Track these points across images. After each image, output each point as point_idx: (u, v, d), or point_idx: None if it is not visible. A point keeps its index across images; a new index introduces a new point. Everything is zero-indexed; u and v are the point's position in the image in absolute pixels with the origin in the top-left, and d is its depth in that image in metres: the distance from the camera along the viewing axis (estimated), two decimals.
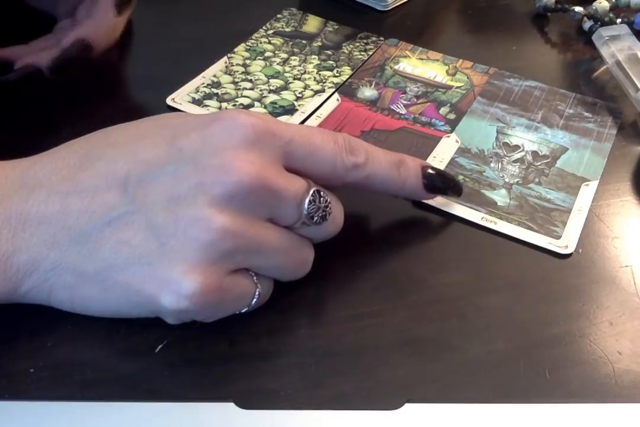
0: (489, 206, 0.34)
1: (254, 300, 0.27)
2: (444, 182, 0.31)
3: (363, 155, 0.28)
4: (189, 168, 0.24)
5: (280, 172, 0.25)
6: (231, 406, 0.25)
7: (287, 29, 0.46)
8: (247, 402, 0.25)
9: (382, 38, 0.45)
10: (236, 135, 0.25)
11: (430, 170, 0.30)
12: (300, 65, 0.42)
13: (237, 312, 0.27)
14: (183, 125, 0.26)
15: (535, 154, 0.37)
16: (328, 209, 0.26)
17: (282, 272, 0.27)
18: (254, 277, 0.26)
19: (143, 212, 0.24)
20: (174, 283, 0.24)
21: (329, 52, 0.44)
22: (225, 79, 0.41)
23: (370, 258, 0.31)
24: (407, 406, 0.25)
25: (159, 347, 0.27)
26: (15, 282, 0.25)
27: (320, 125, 0.38)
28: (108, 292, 0.25)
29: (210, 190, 0.24)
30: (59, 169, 0.25)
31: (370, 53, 0.44)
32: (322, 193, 0.26)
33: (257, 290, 0.26)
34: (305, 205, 0.26)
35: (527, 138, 0.38)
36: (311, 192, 0.26)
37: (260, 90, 0.40)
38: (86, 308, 0.26)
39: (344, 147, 0.27)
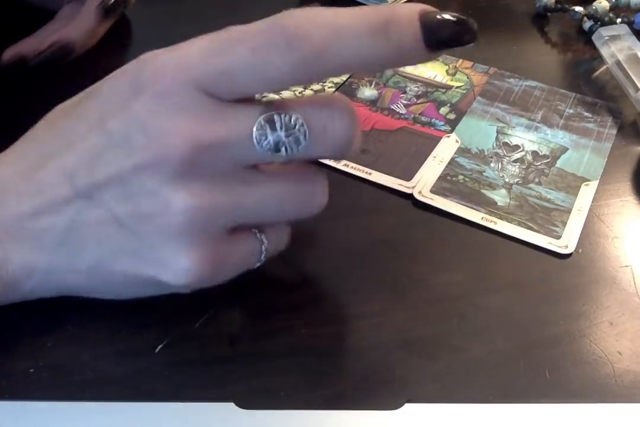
0: (489, 206, 0.34)
1: (263, 255, 0.26)
2: (452, 31, 0.22)
3: (316, 40, 0.20)
4: (124, 153, 0.23)
5: (215, 116, 0.22)
6: (231, 406, 0.25)
7: None
8: (247, 402, 0.25)
9: None
10: (159, 103, 0.22)
11: (431, 20, 0.22)
12: None
13: (252, 268, 0.26)
14: (109, 97, 0.24)
15: (535, 154, 0.37)
16: (301, 127, 0.22)
17: (288, 214, 0.25)
18: (257, 234, 0.25)
19: (104, 207, 0.23)
20: (168, 264, 0.23)
21: None
22: None
23: (370, 258, 0.31)
24: (407, 406, 0.25)
25: (159, 347, 0.27)
26: (15, 284, 0.25)
27: None
28: (111, 282, 0.25)
29: (156, 171, 0.22)
30: (21, 169, 0.25)
31: None
32: (277, 117, 0.22)
33: (263, 246, 0.25)
34: (262, 142, 0.22)
35: (527, 138, 0.38)
36: (259, 123, 0.22)
37: None
38: (99, 295, 0.26)
39: (278, 44, 0.21)
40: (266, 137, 0.22)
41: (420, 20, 0.21)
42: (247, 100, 0.23)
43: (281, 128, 0.22)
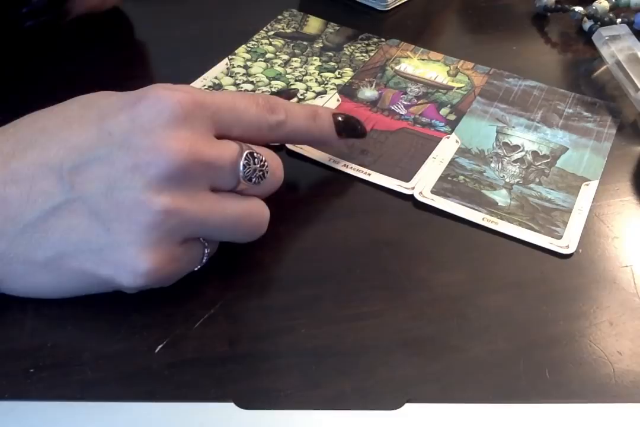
0: (490, 206, 0.34)
1: (205, 258, 0.28)
2: (352, 126, 0.34)
3: (283, 113, 0.29)
4: (122, 152, 0.24)
5: (212, 142, 0.26)
6: (231, 406, 0.25)
7: (287, 31, 0.46)
8: (247, 402, 0.25)
9: (383, 39, 0.45)
10: (164, 113, 0.25)
11: (339, 118, 0.33)
12: (301, 67, 0.42)
13: (192, 270, 0.28)
14: (109, 106, 0.26)
15: (535, 153, 0.37)
16: (265, 167, 0.27)
17: (236, 237, 0.28)
18: (201, 239, 0.27)
19: (83, 199, 0.24)
20: (128, 265, 0.24)
21: (330, 53, 0.44)
22: (226, 80, 0.41)
23: (370, 258, 0.31)
24: (407, 406, 0.25)
25: (159, 347, 0.27)
26: None
27: None
28: (62, 278, 0.25)
29: (146, 172, 0.24)
30: None
31: (372, 54, 0.44)
32: (255, 154, 0.27)
33: (206, 249, 0.28)
34: (241, 169, 0.26)
35: (526, 138, 0.38)
36: (244, 155, 0.26)
37: (262, 92, 0.40)
38: (41, 294, 0.27)
39: (266, 108, 0.28)
40: (249, 166, 0.27)
41: (332, 115, 0.32)
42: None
43: (258, 162, 0.27)
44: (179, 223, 0.25)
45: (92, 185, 0.24)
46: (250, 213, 0.28)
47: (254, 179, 0.27)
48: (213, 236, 0.27)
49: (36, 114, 0.27)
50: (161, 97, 0.25)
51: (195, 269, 0.28)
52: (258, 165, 0.27)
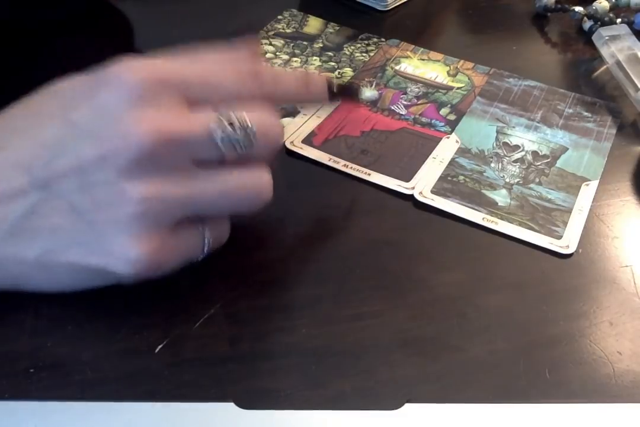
0: (490, 206, 0.34)
1: (206, 248, 0.27)
2: (349, 94, 0.32)
3: (271, 82, 0.27)
4: (88, 143, 0.23)
5: (182, 115, 0.24)
6: (231, 406, 0.25)
7: (287, 30, 0.46)
8: (247, 402, 0.25)
9: (383, 39, 0.45)
10: (124, 96, 0.23)
11: (335, 87, 0.30)
12: (301, 67, 0.42)
13: (196, 260, 0.27)
14: (73, 94, 0.25)
15: (535, 153, 0.37)
16: (249, 131, 0.25)
17: (239, 209, 0.27)
18: (200, 227, 0.26)
19: (60, 196, 0.24)
20: (118, 254, 0.24)
21: (330, 53, 0.44)
22: None
23: (370, 258, 0.31)
24: (407, 406, 0.25)
25: (159, 347, 0.27)
26: None
27: (320, 126, 0.38)
28: (56, 274, 0.25)
29: (116, 162, 0.23)
30: None
31: (372, 54, 0.44)
32: (233, 118, 0.25)
33: (205, 238, 0.27)
34: (219, 140, 0.24)
35: (526, 138, 0.38)
36: (221, 124, 0.24)
37: None
38: (40, 288, 0.27)
39: (250, 76, 0.26)
40: (226, 135, 0.24)
41: (328, 83, 0.30)
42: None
43: (238, 128, 0.25)
44: (162, 208, 0.24)
45: (66, 181, 0.24)
46: (245, 182, 0.26)
47: (238, 147, 0.25)
48: (210, 212, 0.26)
49: (9, 112, 0.26)
50: (121, 78, 0.24)
51: (198, 259, 0.27)
52: (239, 132, 0.24)
